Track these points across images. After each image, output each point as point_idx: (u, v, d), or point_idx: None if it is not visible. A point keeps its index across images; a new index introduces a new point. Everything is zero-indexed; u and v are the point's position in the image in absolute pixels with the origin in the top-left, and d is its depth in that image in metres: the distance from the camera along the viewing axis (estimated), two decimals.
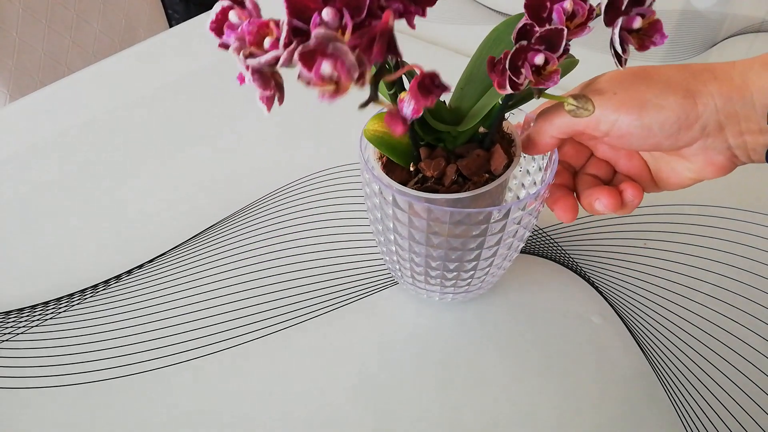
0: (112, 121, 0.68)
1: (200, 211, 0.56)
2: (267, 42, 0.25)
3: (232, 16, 0.27)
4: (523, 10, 0.29)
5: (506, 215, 0.37)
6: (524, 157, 0.45)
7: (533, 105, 0.37)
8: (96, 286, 0.49)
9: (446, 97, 0.40)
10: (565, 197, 0.39)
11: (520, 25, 0.29)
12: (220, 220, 0.55)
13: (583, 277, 0.50)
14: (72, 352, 0.44)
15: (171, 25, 1.14)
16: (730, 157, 0.35)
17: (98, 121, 0.68)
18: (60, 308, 0.48)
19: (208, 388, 0.42)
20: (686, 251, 0.51)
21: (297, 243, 0.53)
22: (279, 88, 0.27)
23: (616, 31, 0.29)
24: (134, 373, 0.43)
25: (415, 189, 0.37)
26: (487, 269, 0.43)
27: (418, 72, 0.26)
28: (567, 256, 0.51)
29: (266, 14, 0.27)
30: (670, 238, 0.53)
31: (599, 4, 0.30)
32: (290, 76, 0.25)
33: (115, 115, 0.69)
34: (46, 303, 0.48)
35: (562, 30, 0.28)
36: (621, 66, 0.31)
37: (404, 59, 0.37)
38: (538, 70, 0.30)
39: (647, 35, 0.31)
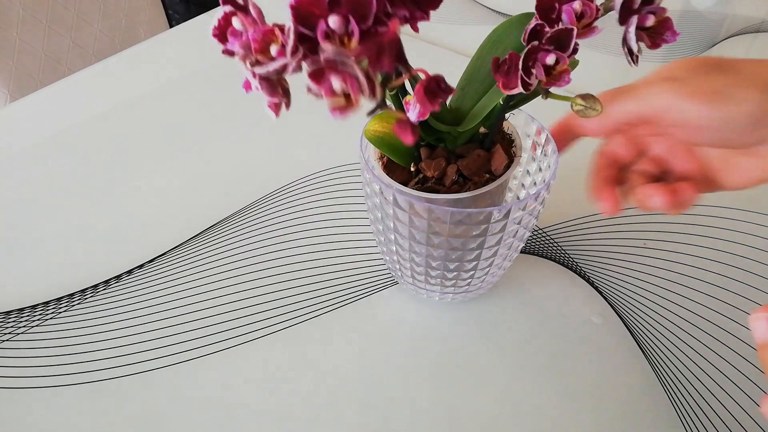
0: (112, 121, 0.68)
1: (200, 211, 0.56)
2: (273, 49, 0.25)
3: (236, 22, 0.27)
4: (523, 11, 0.30)
5: (506, 215, 0.37)
6: (524, 157, 0.45)
7: (534, 105, 0.37)
8: (96, 286, 0.49)
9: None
10: (610, 190, 0.37)
11: (531, 26, 0.29)
12: (220, 220, 0.55)
13: (583, 277, 0.50)
14: (72, 352, 0.44)
15: (171, 26, 1.14)
16: None
17: (98, 121, 0.68)
18: (60, 308, 0.48)
19: (208, 388, 0.42)
20: (686, 251, 0.51)
21: (297, 243, 0.53)
22: (286, 93, 0.27)
23: (631, 29, 0.30)
24: (134, 373, 0.43)
25: (416, 189, 0.38)
26: (488, 269, 0.43)
27: (422, 76, 0.26)
28: (567, 256, 0.51)
29: (270, 19, 0.27)
30: (670, 238, 0.53)
31: (602, 3, 0.30)
32: (295, 78, 0.25)
33: (115, 115, 0.69)
34: (46, 303, 0.48)
35: (572, 30, 0.29)
36: (634, 64, 0.31)
37: (407, 62, 0.37)
38: (548, 70, 0.30)
39: (658, 33, 0.31)
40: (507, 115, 0.41)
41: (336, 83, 0.22)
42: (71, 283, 0.50)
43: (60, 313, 0.47)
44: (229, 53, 0.27)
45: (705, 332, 0.45)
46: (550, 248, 0.52)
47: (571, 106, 0.34)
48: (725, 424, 0.40)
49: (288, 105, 0.28)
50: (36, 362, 0.44)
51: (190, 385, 0.43)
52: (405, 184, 0.38)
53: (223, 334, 0.46)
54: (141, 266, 0.51)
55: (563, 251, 0.52)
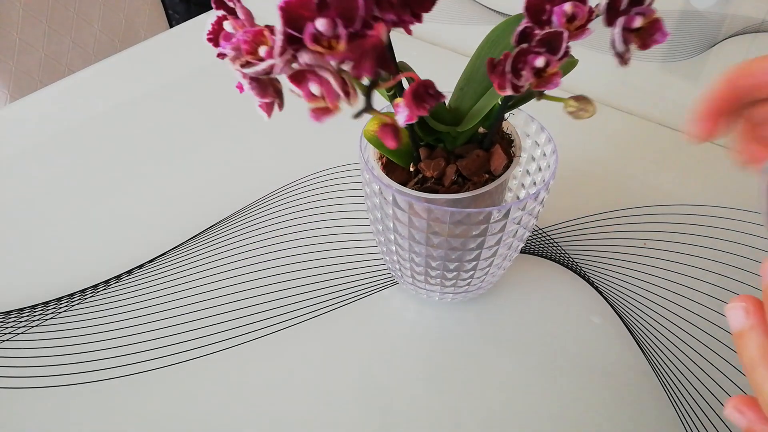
0: (112, 121, 0.68)
1: (200, 211, 0.56)
2: (262, 50, 0.25)
3: (227, 25, 0.27)
4: (522, 11, 0.29)
5: (506, 215, 0.37)
6: (524, 157, 0.45)
7: (533, 105, 0.37)
8: (96, 286, 0.49)
9: (445, 98, 0.40)
10: (715, 119, 0.30)
11: (520, 27, 0.29)
12: (220, 220, 0.55)
13: (583, 277, 0.50)
14: (72, 352, 0.44)
15: (171, 26, 1.14)
16: None
17: (98, 121, 0.68)
18: (60, 308, 0.48)
19: (209, 388, 0.42)
20: (686, 251, 0.51)
21: (297, 243, 0.53)
22: (278, 94, 0.27)
23: (617, 31, 0.29)
24: (134, 373, 0.43)
25: (415, 189, 0.38)
26: (487, 269, 0.43)
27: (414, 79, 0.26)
28: (567, 256, 0.51)
29: (263, 20, 0.27)
30: (670, 238, 0.53)
31: (598, 5, 0.30)
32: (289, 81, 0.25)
33: (115, 115, 0.69)
34: (46, 303, 0.48)
35: (563, 33, 0.28)
36: (623, 65, 0.31)
37: (403, 60, 0.37)
38: (538, 73, 0.30)
39: (648, 34, 0.30)
40: (506, 115, 0.41)
41: (314, 87, 0.22)
42: (71, 283, 0.50)
43: (60, 313, 0.47)
44: (223, 56, 0.27)
45: (705, 332, 0.45)
46: (550, 248, 0.52)
47: (564, 108, 0.34)
48: (725, 424, 0.40)
49: (281, 105, 0.28)
50: (36, 362, 0.44)
51: (190, 385, 0.43)
52: (404, 185, 0.38)
53: (223, 334, 0.46)
54: (141, 266, 0.51)
55: (563, 251, 0.52)
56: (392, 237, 0.41)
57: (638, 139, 0.64)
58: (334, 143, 0.63)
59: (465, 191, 0.37)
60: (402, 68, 0.37)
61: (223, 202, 0.57)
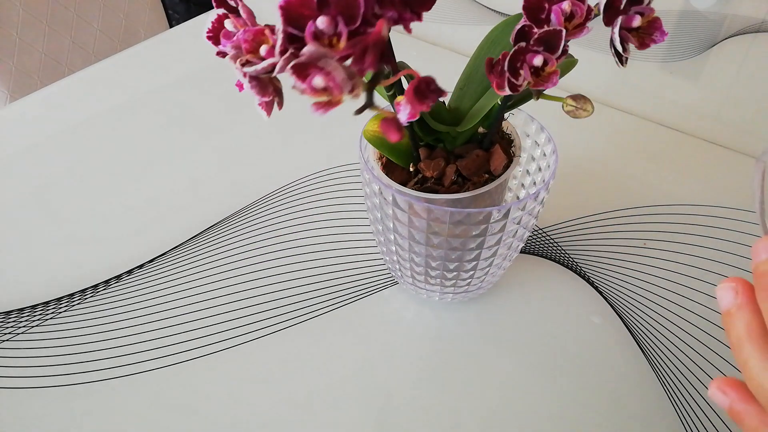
0: (112, 121, 0.68)
1: (200, 211, 0.56)
2: (263, 49, 0.25)
3: (228, 24, 0.27)
4: (521, 11, 0.29)
5: (506, 215, 0.37)
6: (523, 157, 0.45)
7: (533, 105, 0.37)
8: (96, 286, 0.49)
9: (445, 98, 0.40)
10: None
11: (518, 26, 0.29)
12: (220, 220, 0.55)
13: (583, 277, 0.50)
14: (72, 352, 0.44)
15: (171, 26, 1.14)
16: None
17: (98, 121, 0.68)
18: (60, 308, 0.48)
19: (209, 388, 0.42)
20: (686, 251, 0.51)
21: (297, 243, 0.53)
22: (278, 93, 0.27)
23: (616, 30, 0.29)
24: (134, 373, 0.43)
25: (415, 189, 0.38)
26: (487, 269, 0.43)
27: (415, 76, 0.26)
28: (567, 256, 0.51)
29: (263, 20, 0.27)
30: (670, 238, 0.53)
31: (597, 4, 0.30)
32: (289, 78, 0.25)
33: (115, 115, 0.69)
34: (46, 303, 0.48)
35: (561, 31, 0.28)
36: (622, 65, 0.31)
37: (403, 60, 0.37)
38: (536, 72, 0.30)
39: (647, 33, 0.30)
40: (506, 115, 0.41)
41: (318, 80, 0.22)
42: (71, 283, 0.50)
43: (60, 313, 0.47)
44: (223, 55, 0.27)
45: (705, 332, 0.45)
46: (550, 248, 0.52)
47: (562, 107, 0.34)
48: (725, 424, 0.40)
49: (281, 104, 0.28)
50: (36, 362, 0.44)
51: (190, 384, 0.43)
52: (404, 185, 0.38)
53: (223, 334, 0.46)
54: (141, 266, 0.51)
55: (563, 251, 0.52)
56: (392, 237, 0.41)
57: (638, 139, 0.64)
58: (334, 143, 0.63)
59: (465, 191, 0.37)
60: (401, 68, 0.37)
61: (223, 202, 0.57)
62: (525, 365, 0.44)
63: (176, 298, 0.48)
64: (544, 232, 0.53)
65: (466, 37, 0.82)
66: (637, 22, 0.29)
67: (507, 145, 0.41)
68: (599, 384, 0.43)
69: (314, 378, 0.43)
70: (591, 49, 0.68)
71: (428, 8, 0.25)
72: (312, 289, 0.49)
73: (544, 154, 0.42)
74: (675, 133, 0.65)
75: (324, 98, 0.22)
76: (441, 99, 0.29)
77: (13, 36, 0.89)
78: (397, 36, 0.33)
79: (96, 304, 0.48)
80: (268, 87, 0.26)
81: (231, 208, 0.56)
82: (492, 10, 0.88)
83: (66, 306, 0.48)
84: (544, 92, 0.32)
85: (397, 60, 0.35)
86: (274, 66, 0.24)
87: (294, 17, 0.23)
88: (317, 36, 0.23)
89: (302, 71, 0.22)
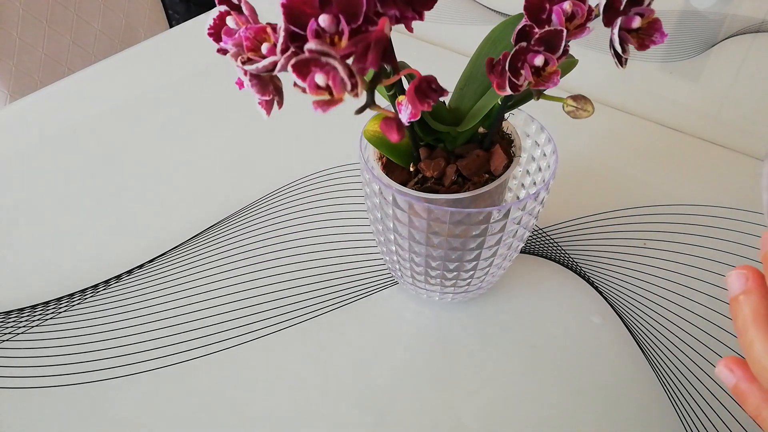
0: (112, 121, 0.68)
1: (200, 211, 0.56)
2: (264, 47, 0.25)
3: (230, 21, 0.27)
4: (522, 11, 0.29)
5: (506, 215, 0.37)
6: (524, 157, 0.45)
7: (533, 105, 0.37)
8: (96, 286, 0.49)
9: (446, 98, 0.40)
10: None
11: (519, 26, 0.29)
12: (220, 220, 0.55)
13: (583, 277, 0.50)
14: (72, 352, 0.44)
15: (171, 26, 1.14)
16: None
17: (98, 121, 0.68)
18: (60, 308, 0.48)
19: (208, 388, 0.42)
20: (686, 251, 0.51)
21: (297, 243, 0.53)
22: (278, 92, 0.27)
23: (615, 31, 0.29)
24: (134, 373, 0.43)
25: (415, 189, 0.38)
26: (487, 269, 0.43)
27: (415, 76, 0.26)
28: (567, 256, 0.51)
29: (264, 19, 0.27)
30: (670, 238, 0.53)
31: (598, 4, 0.30)
32: (289, 77, 0.26)
33: (115, 115, 0.69)
34: (46, 303, 0.48)
35: (562, 31, 0.28)
36: (621, 66, 0.31)
37: (403, 60, 0.37)
38: (537, 71, 0.30)
39: (647, 34, 0.30)
40: (506, 115, 0.41)
41: (319, 78, 0.22)
42: (71, 283, 0.50)
43: (60, 313, 0.47)
44: (224, 52, 0.27)
45: (705, 332, 0.45)
46: (550, 248, 0.52)
47: (563, 107, 0.34)
48: (725, 424, 0.40)
49: (281, 104, 0.28)
50: (36, 362, 0.44)
51: (190, 384, 0.43)
52: (404, 185, 0.38)
53: (223, 334, 0.46)
54: (141, 266, 0.51)
55: (563, 251, 0.52)
56: (392, 237, 0.41)
57: (638, 139, 0.64)
58: (334, 143, 0.63)
59: (465, 191, 0.37)
60: (402, 68, 0.37)
61: (223, 201, 0.57)
62: (525, 365, 0.44)
63: (176, 298, 0.48)
64: (544, 232, 0.53)
65: (466, 37, 0.82)
66: (636, 23, 0.29)
67: (507, 145, 0.41)
68: (599, 384, 0.43)
69: (314, 378, 0.43)
70: (591, 49, 0.68)
71: (430, 7, 0.25)
72: (312, 289, 0.49)
73: (544, 154, 0.42)
74: (675, 133, 0.65)
75: (325, 96, 0.22)
76: (441, 99, 0.29)
77: (13, 36, 0.89)
78: (397, 36, 0.33)
79: (96, 304, 0.48)
80: (268, 85, 0.26)
81: (231, 208, 0.56)
82: (492, 10, 0.88)
83: (66, 306, 0.48)
84: (545, 92, 0.32)
85: (398, 60, 0.35)
86: (275, 64, 0.24)
87: (296, 15, 0.23)
88: (319, 34, 0.23)
89: (303, 69, 0.22)
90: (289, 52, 0.23)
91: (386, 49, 0.23)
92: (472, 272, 0.42)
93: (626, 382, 0.43)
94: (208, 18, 0.28)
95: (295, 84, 0.23)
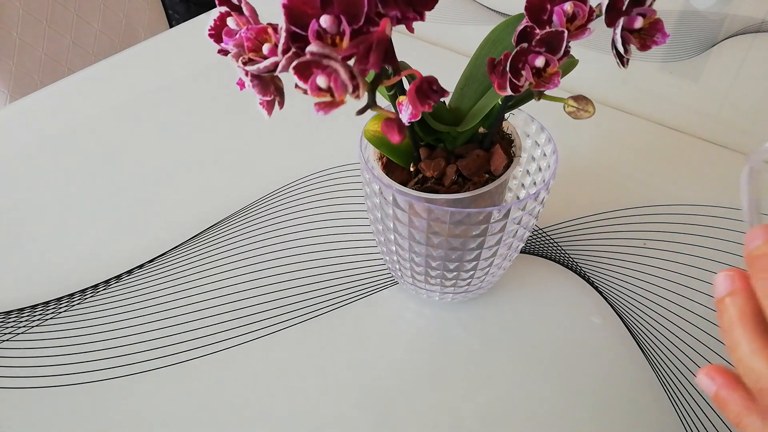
0: (112, 121, 0.68)
1: (200, 211, 0.56)
2: (265, 48, 0.25)
3: (231, 22, 0.27)
4: (523, 11, 0.29)
5: (506, 215, 0.37)
6: (524, 157, 0.45)
7: (533, 105, 0.37)
8: (96, 286, 0.49)
9: (446, 98, 0.40)
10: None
11: (520, 27, 0.29)
12: (220, 220, 0.55)
13: (583, 277, 0.50)
14: (72, 352, 0.44)
15: (171, 26, 1.14)
16: None
17: (98, 121, 0.68)
18: (60, 308, 0.48)
19: (208, 388, 0.42)
20: (686, 251, 0.51)
21: (297, 243, 0.53)
22: (279, 92, 0.27)
23: (618, 31, 0.29)
24: (134, 373, 0.43)
25: (415, 189, 0.38)
26: (487, 269, 0.43)
27: (416, 76, 0.26)
28: (567, 256, 0.51)
29: (265, 19, 0.27)
30: (670, 238, 0.53)
31: (599, 4, 0.30)
32: (290, 77, 0.26)
33: (115, 115, 0.69)
34: (46, 303, 0.48)
35: (563, 32, 0.28)
36: (623, 66, 0.31)
37: (404, 60, 0.37)
38: (538, 72, 0.30)
39: (648, 35, 0.30)
40: (506, 115, 0.41)
41: (321, 80, 0.22)
42: (71, 283, 0.50)
43: (60, 313, 0.47)
44: (225, 52, 0.27)
45: (705, 332, 0.45)
46: (550, 248, 0.52)
47: (564, 108, 0.34)
48: (725, 425, 0.40)
49: (282, 104, 0.28)
50: (36, 362, 0.44)
51: (190, 384, 0.43)
52: (404, 184, 0.38)
53: (223, 334, 0.46)
54: (141, 266, 0.51)
55: (563, 251, 0.52)
56: (392, 237, 0.41)
57: (638, 139, 0.64)
58: (334, 143, 0.63)
59: (465, 191, 0.37)
60: (403, 68, 0.37)
61: (223, 202, 0.57)
62: (525, 365, 0.44)
63: (176, 298, 0.48)
64: (544, 232, 0.53)
65: (466, 37, 0.82)
66: (639, 23, 0.29)
67: (507, 145, 0.41)
68: (599, 384, 0.43)
69: (314, 377, 0.43)
70: (591, 49, 0.68)
71: (431, 8, 0.25)
72: (312, 289, 0.49)
73: (545, 154, 0.42)
74: (675, 133, 0.65)
75: (326, 98, 0.22)
76: (442, 99, 0.29)
77: (13, 36, 0.89)
78: (397, 36, 0.33)
79: (96, 304, 0.48)
80: (269, 86, 0.26)
81: (231, 208, 0.56)
82: (492, 10, 0.88)
83: (66, 306, 0.48)
84: (545, 93, 0.32)
85: (398, 60, 0.35)
86: (276, 65, 0.24)
87: (297, 15, 0.23)
88: (320, 35, 0.23)
89: (305, 71, 0.22)
90: (290, 53, 0.23)
91: (388, 51, 0.23)
92: (472, 272, 0.42)
93: (626, 382, 0.43)
94: (208, 18, 0.28)
95: (296, 86, 0.23)
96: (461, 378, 0.43)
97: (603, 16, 0.30)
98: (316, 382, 0.43)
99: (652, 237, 0.53)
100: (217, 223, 0.55)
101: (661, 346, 0.45)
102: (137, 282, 0.49)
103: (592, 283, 0.49)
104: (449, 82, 0.39)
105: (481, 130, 0.41)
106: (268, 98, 0.27)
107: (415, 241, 0.40)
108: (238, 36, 0.26)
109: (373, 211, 0.42)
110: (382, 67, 0.23)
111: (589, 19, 0.29)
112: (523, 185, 0.46)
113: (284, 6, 0.23)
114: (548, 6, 0.29)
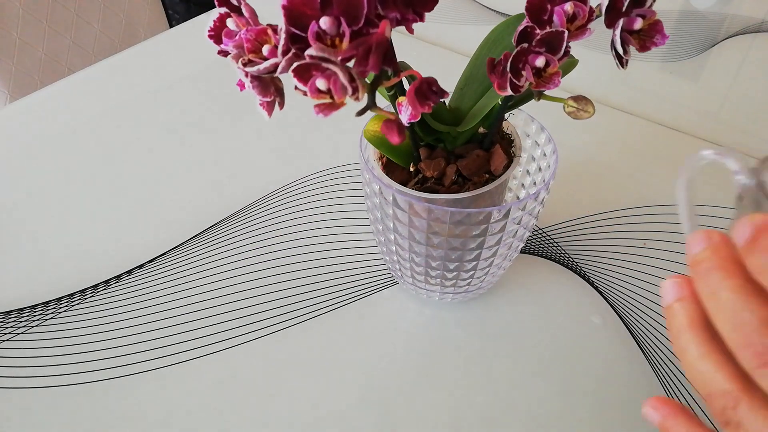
0: (112, 121, 0.68)
1: (200, 211, 0.56)
2: (265, 49, 0.25)
3: (230, 23, 0.27)
4: (523, 11, 0.29)
5: (506, 215, 0.37)
6: (524, 157, 0.45)
7: (533, 105, 0.37)
8: (96, 286, 0.49)
9: (446, 98, 0.40)
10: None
11: (521, 27, 0.29)
12: (220, 220, 0.55)
13: (583, 277, 0.50)
14: (72, 352, 0.44)
15: (171, 26, 1.14)
16: None
17: (98, 121, 0.68)
18: (60, 308, 0.48)
19: (208, 388, 0.42)
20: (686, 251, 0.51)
21: (297, 243, 0.53)
22: (279, 93, 0.27)
23: (617, 32, 0.29)
24: (134, 373, 0.43)
25: (415, 189, 0.38)
26: (487, 269, 0.43)
27: (416, 77, 0.26)
28: (567, 256, 0.51)
29: (265, 20, 0.27)
30: (670, 238, 0.53)
31: (599, 5, 0.30)
32: (290, 78, 0.26)
33: (115, 115, 0.69)
34: (46, 303, 0.48)
35: (563, 32, 0.28)
36: (623, 67, 0.31)
37: (404, 60, 0.37)
38: (538, 72, 0.30)
39: (648, 36, 0.30)
40: (506, 115, 0.41)
41: (320, 82, 0.22)
42: (71, 283, 0.50)
43: (60, 313, 0.47)
44: (225, 54, 0.27)
45: None
46: (550, 248, 0.52)
47: (564, 108, 0.34)
48: None
49: (282, 105, 0.28)
50: (36, 362, 0.44)
51: (191, 384, 0.43)
52: (404, 184, 0.38)
53: (223, 334, 0.46)
54: (141, 266, 0.51)
55: (563, 251, 0.52)
56: (392, 237, 0.41)
57: (638, 139, 0.64)
58: (334, 143, 0.63)
59: (465, 191, 0.37)
60: (403, 68, 0.37)
61: (223, 202, 0.57)
62: (525, 365, 0.44)
63: (176, 298, 0.48)
64: (544, 232, 0.53)
65: (466, 37, 0.82)
66: (638, 24, 0.29)
67: (507, 145, 0.41)
68: (599, 384, 0.43)
69: (314, 378, 0.43)
70: (591, 49, 0.68)
71: (430, 9, 0.25)
72: (312, 289, 0.49)
73: (545, 154, 0.42)
74: (675, 133, 0.65)
75: (326, 100, 0.22)
76: (441, 99, 0.29)
77: (13, 36, 0.89)
78: (397, 36, 0.33)
79: (96, 304, 0.48)
80: (269, 87, 0.26)
81: (231, 208, 0.56)
82: (492, 10, 0.88)
83: (66, 306, 0.48)
84: (545, 93, 0.32)
85: (398, 60, 0.35)
86: (276, 66, 0.24)
87: (297, 17, 0.23)
88: (320, 36, 0.23)
89: (304, 74, 0.22)
90: (290, 54, 0.23)
91: (387, 52, 0.23)
92: (472, 272, 0.42)
93: (626, 382, 0.43)
94: (208, 18, 0.28)
95: (296, 87, 0.23)
96: (461, 378, 0.43)
97: (602, 17, 0.30)
98: (316, 382, 0.43)
99: (652, 237, 0.53)
100: (217, 223, 0.55)
101: (661, 346, 0.45)
102: (137, 282, 0.49)
103: (592, 283, 0.49)
104: (449, 82, 0.39)
105: (481, 130, 0.41)
106: (268, 99, 0.27)
107: (415, 241, 0.40)
108: (237, 37, 0.26)
109: (373, 211, 0.42)
110: (382, 69, 0.23)
111: (590, 20, 0.29)
112: (523, 185, 0.46)
113: (284, 7, 0.23)
114: (549, 6, 0.29)
